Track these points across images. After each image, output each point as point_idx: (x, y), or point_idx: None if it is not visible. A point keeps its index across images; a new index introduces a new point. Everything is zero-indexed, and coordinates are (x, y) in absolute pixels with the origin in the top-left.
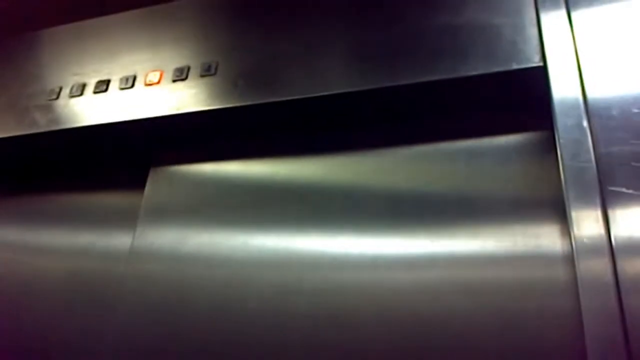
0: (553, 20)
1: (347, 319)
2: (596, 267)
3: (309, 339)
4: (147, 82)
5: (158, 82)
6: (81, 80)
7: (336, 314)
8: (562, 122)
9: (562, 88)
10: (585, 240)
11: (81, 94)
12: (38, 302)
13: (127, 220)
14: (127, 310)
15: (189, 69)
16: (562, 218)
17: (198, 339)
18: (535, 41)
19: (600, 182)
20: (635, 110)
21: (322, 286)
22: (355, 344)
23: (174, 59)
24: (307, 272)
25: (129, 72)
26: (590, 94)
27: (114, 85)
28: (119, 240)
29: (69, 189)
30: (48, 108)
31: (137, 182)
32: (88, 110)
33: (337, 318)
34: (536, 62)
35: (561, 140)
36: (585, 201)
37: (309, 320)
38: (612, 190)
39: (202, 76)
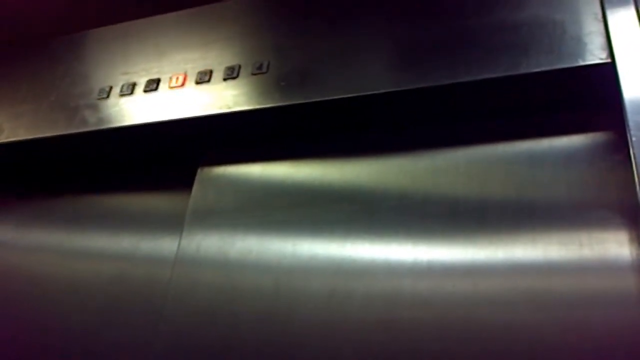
0: (620, 16)
1: (401, 327)
2: None
3: (361, 348)
4: (198, 81)
5: (208, 81)
6: (131, 79)
7: (389, 322)
8: (633, 120)
9: (633, 85)
10: None
11: (131, 93)
12: (80, 308)
13: (174, 222)
14: (174, 317)
15: (240, 67)
16: (633, 220)
17: (247, 346)
18: (602, 37)
19: None
20: None
21: (375, 293)
22: (410, 354)
23: (224, 58)
24: (359, 277)
25: (179, 71)
26: None
27: (164, 84)
28: (165, 244)
29: (115, 189)
30: (98, 107)
31: (184, 183)
32: (138, 109)
33: (391, 326)
34: (604, 58)
35: (634, 138)
36: None
37: (361, 328)
38: None
39: (253, 74)
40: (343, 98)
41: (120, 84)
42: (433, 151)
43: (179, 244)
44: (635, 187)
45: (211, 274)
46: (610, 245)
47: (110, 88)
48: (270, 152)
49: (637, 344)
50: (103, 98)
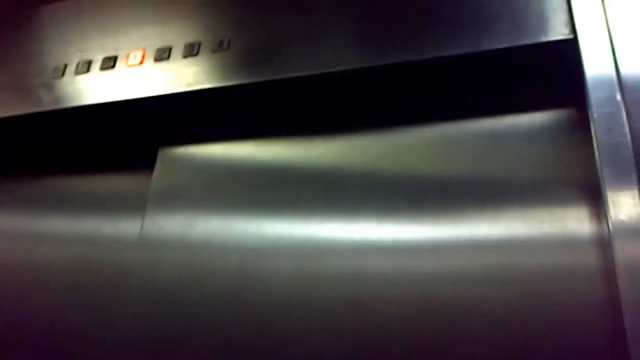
0: None
1: (367, 307)
2: (636, 250)
3: (327, 326)
4: (157, 58)
5: (168, 58)
6: (87, 57)
7: (355, 302)
8: (594, 96)
9: (594, 61)
10: (622, 220)
11: (87, 71)
12: (42, 292)
13: (136, 204)
14: (137, 299)
15: (200, 44)
16: (593, 197)
17: (211, 329)
18: (565, 13)
19: (636, 157)
20: None
21: (341, 272)
22: (376, 332)
23: (184, 35)
24: (324, 258)
25: (137, 48)
26: (623, 67)
27: (121, 62)
28: (128, 226)
29: (74, 171)
30: (53, 86)
31: (145, 164)
32: (95, 88)
33: (357, 306)
34: (566, 34)
35: (594, 115)
36: (621, 179)
37: (327, 307)
38: None
39: (214, 52)
40: (305, 76)
41: (76, 61)
42: (397, 130)
43: (141, 226)
44: (595, 164)
45: (175, 255)
46: (571, 222)
47: (65, 66)
48: (232, 132)
49: (596, 317)
50: (57, 77)
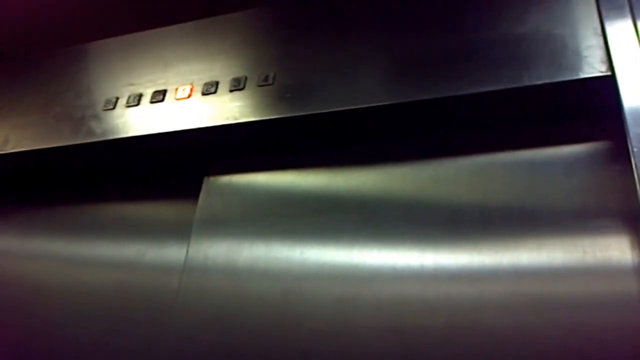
0: (619, 29)
1: (409, 333)
2: None
3: (369, 354)
4: (204, 92)
5: (215, 92)
6: (137, 90)
7: (397, 329)
8: (634, 131)
9: (632, 97)
10: None
11: (138, 104)
12: (88, 317)
13: (182, 231)
14: (182, 324)
15: (246, 79)
16: (634, 228)
17: (255, 354)
18: (601, 50)
19: None
20: None
21: (382, 300)
22: (418, 359)
23: (230, 69)
24: (366, 284)
25: (185, 82)
26: None
27: (170, 95)
28: (173, 252)
29: (123, 199)
30: (104, 118)
31: (191, 192)
32: (144, 120)
33: (398, 332)
34: (604, 71)
35: (635, 149)
36: None
37: (369, 335)
38: None
39: (259, 86)
40: (347, 110)
41: (127, 95)
42: (437, 161)
43: (186, 253)
44: (636, 196)
45: (219, 282)
46: (613, 252)
47: (117, 99)
48: (275, 162)
49: (639, 346)
50: (109, 109)
